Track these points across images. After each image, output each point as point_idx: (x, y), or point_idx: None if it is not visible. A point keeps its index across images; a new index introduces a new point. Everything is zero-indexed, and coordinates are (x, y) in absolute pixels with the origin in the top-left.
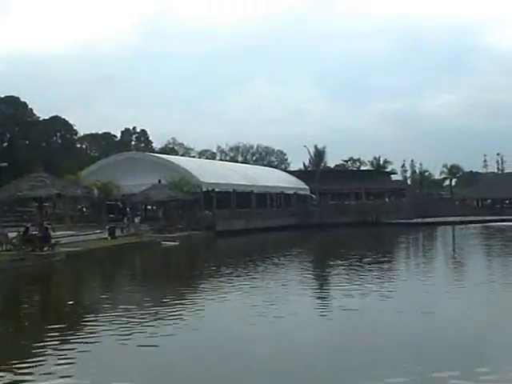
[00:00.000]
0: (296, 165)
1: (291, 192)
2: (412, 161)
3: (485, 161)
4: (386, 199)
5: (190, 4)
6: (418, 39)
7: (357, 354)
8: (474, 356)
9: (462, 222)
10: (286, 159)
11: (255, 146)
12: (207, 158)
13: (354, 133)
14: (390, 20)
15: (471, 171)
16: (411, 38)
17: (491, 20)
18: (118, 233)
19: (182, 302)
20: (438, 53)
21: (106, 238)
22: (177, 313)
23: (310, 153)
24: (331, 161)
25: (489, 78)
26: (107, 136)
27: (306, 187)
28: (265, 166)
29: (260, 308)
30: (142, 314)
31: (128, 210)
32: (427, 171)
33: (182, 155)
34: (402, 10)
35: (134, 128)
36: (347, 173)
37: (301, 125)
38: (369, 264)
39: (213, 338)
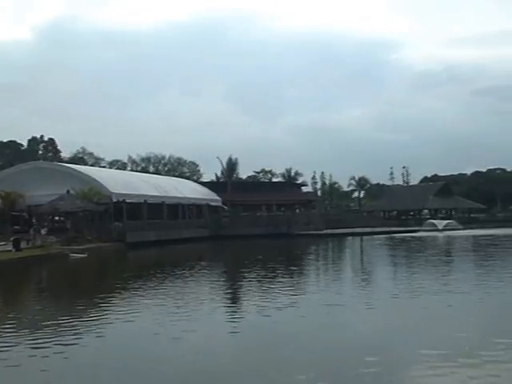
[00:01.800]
0: (208, 176)
1: (203, 203)
2: (322, 173)
3: (391, 173)
4: (297, 210)
5: (99, 10)
6: (329, 54)
7: (266, 369)
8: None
9: (369, 233)
10: (199, 170)
11: (167, 157)
12: (118, 169)
13: (266, 145)
14: (302, 34)
15: (378, 183)
16: (322, 53)
17: (399, 37)
18: (23, 245)
19: (84, 320)
20: (349, 68)
21: (10, 251)
22: (76, 332)
23: (222, 164)
24: (243, 172)
25: (396, 94)
26: (12, 144)
27: (218, 198)
28: (177, 176)
29: (166, 325)
30: (41, 334)
31: (34, 221)
32: (337, 183)
33: (92, 165)
34: (315, 26)
35: (41, 137)
36: (259, 184)
37: (213, 136)
38: (279, 276)
39: (114, 359)
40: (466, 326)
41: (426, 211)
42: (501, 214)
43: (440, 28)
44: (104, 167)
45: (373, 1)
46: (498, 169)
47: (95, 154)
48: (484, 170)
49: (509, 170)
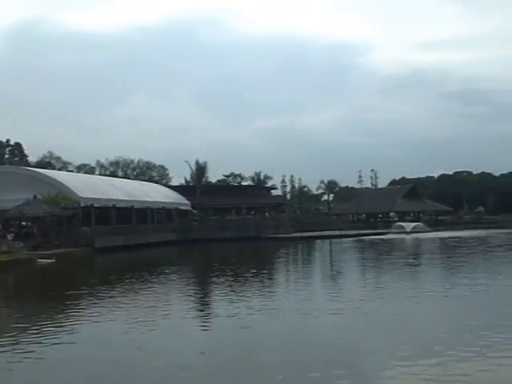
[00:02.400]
0: (177, 180)
1: (172, 207)
2: (291, 176)
3: (360, 176)
4: (267, 214)
5: (68, 13)
6: (299, 58)
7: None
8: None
9: (338, 236)
10: (168, 174)
11: (136, 161)
12: (86, 173)
13: (236, 148)
14: (271, 38)
15: (347, 186)
16: (292, 56)
17: (368, 41)
18: None
19: (49, 326)
20: (318, 71)
21: None
22: (40, 338)
23: (191, 168)
24: (212, 176)
25: (365, 97)
26: None
27: (188, 202)
28: (146, 181)
29: (135, 331)
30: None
31: (0, 226)
32: (306, 186)
33: (60, 169)
34: (285, 29)
35: (7, 141)
36: (228, 188)
37: (182, 140)
38: (249, 280)
39: (81, 365)
40: (435, 329)
41: (394, 214)
42: (467, 216)
43: (407, 32)
44: (72, 171)
45: (342, 5)
46: (465, 171)
47: (63, 158)
48: (451, 173)
49: (475, 172)
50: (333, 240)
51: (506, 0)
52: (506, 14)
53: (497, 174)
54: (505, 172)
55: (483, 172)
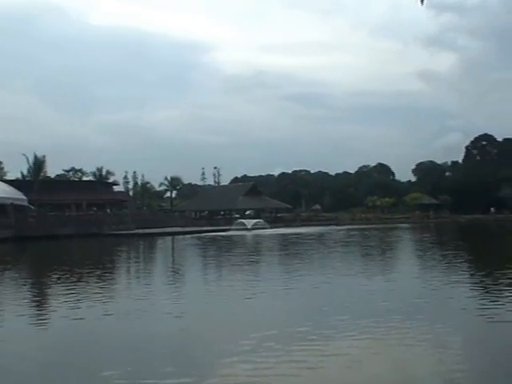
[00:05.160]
0: (13, 174)
1: (7, 203)
2: (134, 172)
3: (203, 174)
4: (108, 210)
5: None
6: (144, 53)
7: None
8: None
9: (179, 233)
10: (2, 168)
11: None
12: None
13: (76, 143)
14: (115, 32)
15: (190, 183)
16: (137, 52)
17: (212, 41)
18: None
19: None
20: (163, 68)
21: None
22: None
23: (28, 162)
24: (52, 171)
25: (209, 96)
26: None
27: (24, 198)
28: None
29: None
30: None
31: None
32: (149, 183)
33: None
34: (130, 23)
35: None
36: (68, 183)
37: (19, 132)
38: (89, 279)
39: None
40: (270, 325)
41: (235, 211)
42: (305, 214)
43: (252, 34)
44: None
45: (189, 3)
46: (303, 170)
47: None
48: (290, 172)
49: (313, 171)
50: (174, 237)
51: (345, 10)
52: (344, 23)
53: (332, 174)
54: (340, 171)
55: (320, 171)
